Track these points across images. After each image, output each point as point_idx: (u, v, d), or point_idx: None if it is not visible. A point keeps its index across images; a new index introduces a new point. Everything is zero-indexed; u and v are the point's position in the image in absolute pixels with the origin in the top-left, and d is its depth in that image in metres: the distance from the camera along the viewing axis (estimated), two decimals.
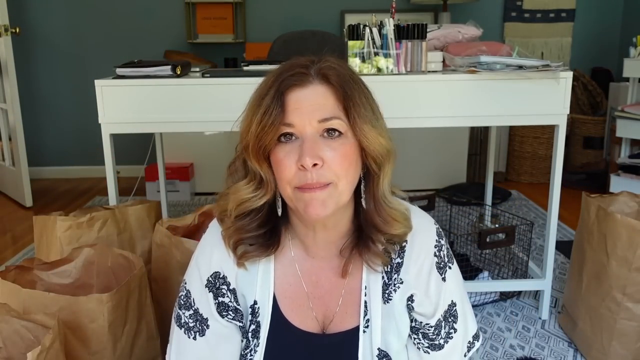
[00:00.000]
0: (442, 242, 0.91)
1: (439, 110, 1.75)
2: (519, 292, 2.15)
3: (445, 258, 0.91)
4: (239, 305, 0.91)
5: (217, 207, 0.89)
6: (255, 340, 0.90)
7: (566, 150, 3.11)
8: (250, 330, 0.91)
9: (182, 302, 0.92)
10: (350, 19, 3.81)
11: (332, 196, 0.80)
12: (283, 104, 0.79)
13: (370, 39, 1.72)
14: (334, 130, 0.80)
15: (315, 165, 0.78)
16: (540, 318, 1.99)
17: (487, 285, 2.02)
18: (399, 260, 0.89)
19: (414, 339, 0.93)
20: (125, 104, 1.71)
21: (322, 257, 0.91)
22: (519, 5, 3.95)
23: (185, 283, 0.93)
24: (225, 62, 3.63)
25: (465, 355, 0.94)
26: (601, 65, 4.00)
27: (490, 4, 3.95)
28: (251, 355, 0.90)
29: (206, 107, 1.71)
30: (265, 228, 0.88)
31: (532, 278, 2.10)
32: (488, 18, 3.94)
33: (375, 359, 0.87)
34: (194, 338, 0.90)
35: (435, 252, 0.89)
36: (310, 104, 0.79)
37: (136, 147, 3.45)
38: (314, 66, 0.81)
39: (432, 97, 1.74)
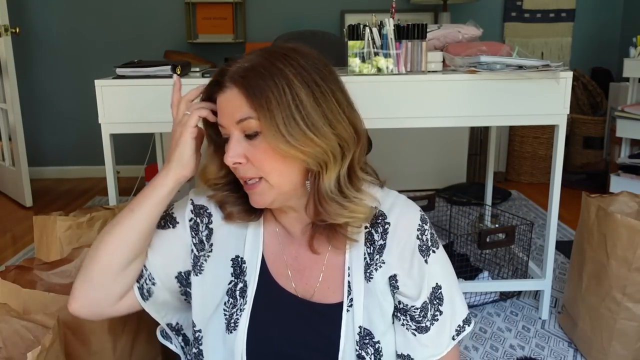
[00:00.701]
0: (426, 227, 0.93)
1: (439, 110, 1.75)
2: (519, 292, 2.15)
3: (429, 242, 0.93)
4: (207, 241, 0.96)
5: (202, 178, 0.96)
6: (242, 299, 0.93)
7: (566, 150, 3.11)
8: (237, 289, 0.93)
9: (164, 214, 0.97)
10: (350, 19, 3.82)
11: (265, 190, 0.86)
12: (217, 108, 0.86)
13: (370, 39, 1.72)
14: (252, 130, 0.83)
15: (239, 163, 0.84)
16: (540, 318, 1.99)
17: (487, 285, 2.02)
18: (381, 242, 0.91)
19: (402, 320, 0.94)
20: (125, 104, 1.71)
21: (299, 235, 0.95)
22: (519, 5, 3.95)
23: (170, 210, 0.99)
24: (225, 62, 3.62)
25: (454, 339, 0.95)
26: (601, 65, 4.00)
27: (490, 4, 3.95)
28: (237, 314, 0.92)
29: None
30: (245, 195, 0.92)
31: (532, 278, 2.10)
32: (488, 18, 3.94)
33: (357, 337, 0.90)
34: (158, 229, 0.97)
35: (417, 235, 0.91)
36: (229, 107, 0.84)
37: (136, 147, 3.45)
38: (230, 69, 0.85)
39: (432, 97, 1.74)
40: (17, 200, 3.41)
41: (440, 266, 0.94)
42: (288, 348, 0.91)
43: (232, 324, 0.92)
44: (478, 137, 3.73)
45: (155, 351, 1.35)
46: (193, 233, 0.96)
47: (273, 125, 0.80)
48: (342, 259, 0.92)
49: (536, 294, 2.13)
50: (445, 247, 2.25)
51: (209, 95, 0.89)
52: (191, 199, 0.99)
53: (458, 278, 2.05)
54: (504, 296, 2.11)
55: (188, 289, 0.97)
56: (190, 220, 0.97)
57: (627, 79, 3.19)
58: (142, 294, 0.95)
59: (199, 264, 0.95)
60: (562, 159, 1.80)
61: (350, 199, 0.86)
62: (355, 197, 0.87)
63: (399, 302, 0.93)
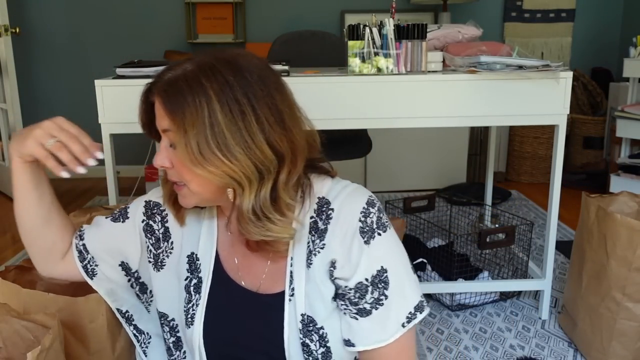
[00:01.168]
0: (372, 209, 0.90)
1: (439, 110, 1.75)
2: (519, 292, 2.15)
3: (374, 225, 0.89)
4: (164, 239, 1.01)
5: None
6: (197, 295, 0.96)
7: (566, 150, 3.11)
8: (192, 285, 0.97)
9: (116, 211, 1.06)
10: (350, 19, 3.82)
11: (188, 195, 0.88)
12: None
13: (370, 39, 1.72)
14: (171, 142, 0.85)
15: (164, 167, 0.88)
16: (540, 318, 1.99)
17: (487, 285, 2.02)
18: (323, 226, 0.90)
19: (341, 305, 0.92)
20: (125, 104, 1.71)
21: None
22: (519, 5, 3.95)
23: (129, 204, 1.06)
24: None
25: (404, 326, 0.91)
26: (601, 65, 4.00)
27: (490, 4, 3.95)
28: (193, 309, 0.95)
29: None
30: None
31: (532, 278, 2.10)
32: (488, 18, 3.94)
33: (300, 325, 0.90)
34: (106, 217, 1.06)
35: (360, 218, 0.89)
36: (158, 115, 0.85)
37: (136, 147, 3.45)
38: (161, 79, 0.86)
39: (432, 97, 1.74)
40: None
41: (386, 249, 0.90)
42: (240, 340, 0.94)
43: (189, 319, 0.96)
44: (478, 137, 3.73)
45: None
46: (148, 235, 1.02)
47: (184, 142, 0.80)
48: (285, 249, 0.92)
49: (536, 294, 2.13)
50: (445, 247, 2.25)
51: (147, 96, 0.90)
52: (146, 200, 1.04)
53: (458, 278, 2.06)
54: (504, 296, 2.11)
55: (137, 280, 1.06)
56: (142, 222, 1.02)
57: (627, 79, 3.19)
58: (87, 272, 1.05)
59: (159, 260, 1.01)
60: (562, 159, 1.80)
61: (271, 220, 0.84)
62: (278, 220, 0.85)
63: (338, 287, 0.92)
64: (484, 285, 2.02)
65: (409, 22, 1.74)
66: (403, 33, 1.73)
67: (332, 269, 0.91)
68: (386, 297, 0.90)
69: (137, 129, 1.87)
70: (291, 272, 0.92)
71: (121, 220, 1.04)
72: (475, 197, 3.12)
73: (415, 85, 1.73)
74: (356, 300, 0.90)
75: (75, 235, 1.07)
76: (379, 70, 1.74)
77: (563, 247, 2.54)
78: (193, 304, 0.96)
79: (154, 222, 1.02)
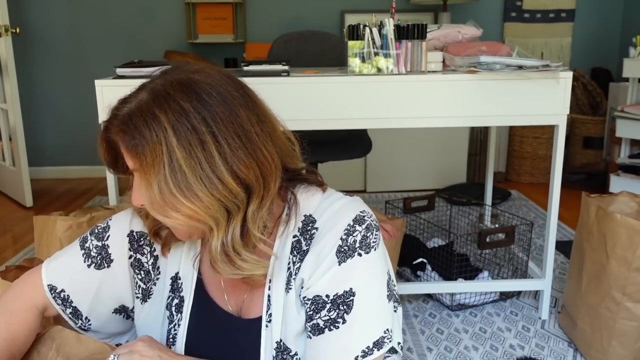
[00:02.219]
0: (359, 228, 0.82)
1: (439, 110, 1.75)
2: (519, 292, 2.15)
3: (356, 244, 0.81)
4: (153, 269, 0.92)
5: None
6: (179, 314, 0.91)
7: (566, 151, 3.12)
8: (174, 305, 0.91)
9: (97, 232, 0.93)
10: (350, 19, 3.82)
11: (174, 228, 0.82)
12: None
13: (370, 39, 1.72)
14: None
15: (142, 206, 0.80)
16: (540, 318, 1.99)
17: (487, 285, 2.02)
18: (305, 247, 0.84)
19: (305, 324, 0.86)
20: None
21: None
22: (519, 6, 3.95)
23: (111, 219, 0.94)
24: (225, 62, 3.63)
25: (357, 359, 0.80)
26: (601, 65, 4.00)
27: (490, 4, 3.95)
28: (175, 330, 0.91)
29: None
30: None
31: (532, 278, 2.10)
32: (488, 18, 3.95)
33: (274, 352, 0.85)
34: (89, 266, 0.91)
35: (342, 236, 0.81)
36: (124, 155, 0.78)
37: None
38: (117, 116, 0.77)
39: (432, 97, 1.74)
40: (17, 200, 3.41)
41: (362, 272, 0.81)
42: None
43: (171, 339, 0.91)
44: (478, 137, 3.73)
45: None
46: (136, 270, 0.93)
47: (148, 184, 0.74)
48: (266, 272, 0.85)
49: (536, 294, 2.13)
50: (445, 247, 2.25)
51: (106, 135, 0.80)
52: (128, 233, 0.93)
53: (458, 278, 2.06)
54: (504, 296, 2.11)
55: (130, 314, 0.97)
56: (130, 258, 0.93)
57: (627, 79, 3.19)
58: (82, 328, 0.95)
59: (148, 292, 0.94)
60: (562, 159, 1.80)
61: (242, 258, 0.78)
62: (248, 257, 0.79)
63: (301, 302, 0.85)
64: (484, 285, 2.02)
65: (409, 22, 1.74)
66: (403, 33, 1.73)
67: (301, 288, 0.84)
68: (344, 321, 0.81)
69: None
70: (269, 297, 0.85)
71: (106, 265, 0.92)
72: (475, 197, 3.12)
73: (415, 85, 1.73)
74: (310, 313, 0.83)
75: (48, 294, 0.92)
76: (379, 70, 1.74)
77: (563, 247, 2.54)
78: (175, 324, 0.91)
79: (142, 254, 0.93)
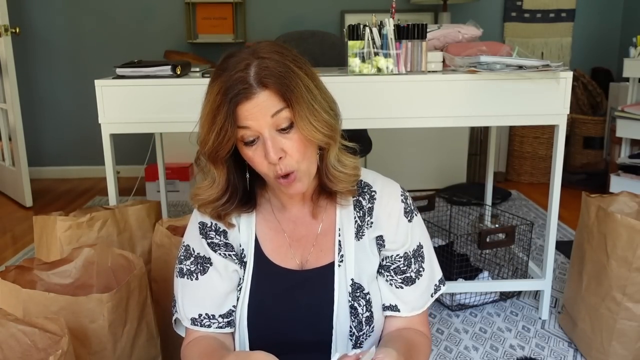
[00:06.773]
0: (407, 194, 1.05)
1: (439, 110, 1.75)
2: (519, 292, 2.15)
3: (412, 206, 1.05)
4: (228, 241, 1.03)
5: (194, 202, 1.02)
6: (241, 279, 1.02)
7: (566, 150, 3.11)
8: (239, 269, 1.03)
9: (183, 257, 1.04)
10: (350, 19, 3.82)
11: (302, 178, 0.93)
12: (236, 118, 0.88)
13: (370, 39, 1.72)
14: (287, 122, 0.89)
15: (280, 158, 0.89)
16: (540, 318, 1.99)
17: (487, 285, 2.02)
18: (369, 205, 1.03)
19: (387, 276, 1.03)
20: (125, 104, 1.71)
21: (298, 209, 1.04)
22: (519, 5, 3.95)
23: (184, 242, 1.05)
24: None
25: (432, 296, 1.06)
26: (601, 65, 4.00)
27: (490, 4, 3.95)
28: (238, 292, 1.02)
29: None
30: (235, 197, 1.00)
31: (532, 278, 2.10)
32: (488, 18, 3.94)
33: (349, 289, 0.99)
34: (197, 278, 1.01)
35: (402, 199, 1.03)
36: (260, 109, 0.87)
37: (136, 147, 3.45)
38: (251, 73, 0.87)
39: (432, 97, 1.74)
40: (17, 200, 3.41)
41: (421, 229, 1.06)
42: (285, 315, 0.99)
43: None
44: (478, 137, 3.73)
45: (155, 351, 1.35)
46: (215, 248, 1.02)
47: (304, 116, 0.87)
48: (333, 222, 1.02)
49: (536, 294, 2.13)
50: (445, 247, 2.25)
51: (229, 107, 0.89)
52: (198, 226, 1.03)
53: (458, 278, 2.07)
54: (504, 296, 2.11)
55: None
56: (209, 246, 1.02)
57: (627, 79, 3.19)
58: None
59: (240, 257, 1.04)
60: (562, 159, 1.80)
61: (346, 165, 0.98)
62: (348, 163, 0.98)
63: (384, 259, 1.03)
64: (484, 285, 2.02)
65: (409, 22, 1.74)
66: (403, 33, 1.73)
67: (380, 242, 1.02)
68: (423, 269, 1.04)
69: (137, 128, 1.88)
70: (339, 242, 1.01)
71: (209, 265, 1.01)
72: (475, 197, 3.12)
73: (415, 85, 1.73)
74: (404, 268, 1.03)
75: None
76: (379, 70, 1.74)
77: (563, 247, 2.54)
78: (240, 286, 1.01)
79: (212, 238, 1.02)
